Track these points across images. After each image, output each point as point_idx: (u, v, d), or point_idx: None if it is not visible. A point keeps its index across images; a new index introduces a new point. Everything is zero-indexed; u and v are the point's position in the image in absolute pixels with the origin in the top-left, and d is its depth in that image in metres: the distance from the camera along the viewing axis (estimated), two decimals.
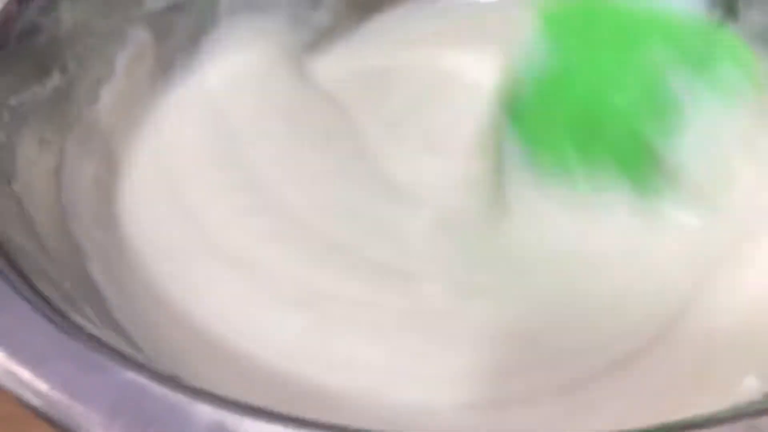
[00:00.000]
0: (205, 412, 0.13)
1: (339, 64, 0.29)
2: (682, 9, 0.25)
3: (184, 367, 0.18)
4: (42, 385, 0.14)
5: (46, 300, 0.16)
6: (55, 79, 0.23)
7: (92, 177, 0.24)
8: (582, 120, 0.26)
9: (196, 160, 0.25)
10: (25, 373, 0.14)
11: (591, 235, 0.24)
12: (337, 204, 0.25)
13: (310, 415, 0.14)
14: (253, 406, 0.13)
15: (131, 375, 0.14)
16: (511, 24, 0.27)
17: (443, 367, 0.21)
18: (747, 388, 0.19)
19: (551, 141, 0.26)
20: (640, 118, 0.25)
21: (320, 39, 0.29)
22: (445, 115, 0.27)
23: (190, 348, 0.20)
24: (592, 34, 0.26)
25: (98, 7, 0.25)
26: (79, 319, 0.15)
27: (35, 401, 0.14)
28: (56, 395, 0.14)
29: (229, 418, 0.13)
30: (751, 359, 0.20)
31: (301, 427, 0.14)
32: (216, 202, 0.24)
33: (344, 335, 0.21)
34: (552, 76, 0.26)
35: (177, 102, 0.27)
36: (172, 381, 0.14)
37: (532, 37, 0.26)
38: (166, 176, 0.25)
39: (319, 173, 0.25)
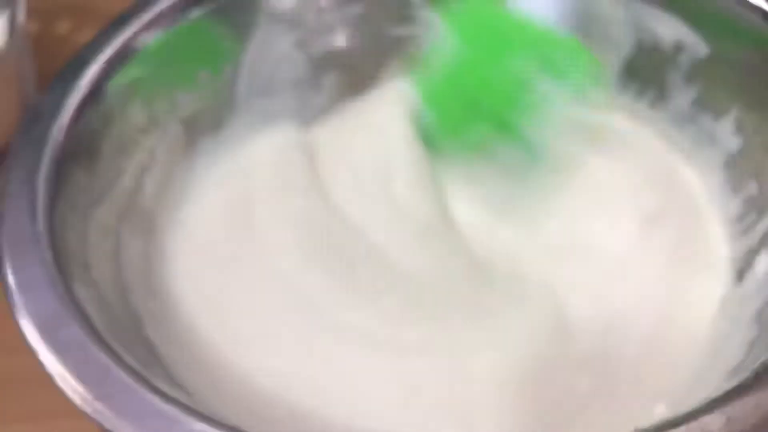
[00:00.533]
0: (197, 426, 0.18)
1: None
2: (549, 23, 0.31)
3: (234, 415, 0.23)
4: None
5: (126, 364, 0.21)
6: (110, 174, 0.28)
7: (141, 253, 0.28)
8: (471, 102, 0.31)
9: (225, 231, 0.30)
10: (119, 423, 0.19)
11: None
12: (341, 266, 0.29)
13: None
14: None
15: (200, 425, 0.19)
16: None
17: None
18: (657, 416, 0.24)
19: (454, 117, 0.32)
20: (511, 104, 0.31)
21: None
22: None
23: (238, 396, 0.25)
24: (484, 32, 0.32)
25: (137, 107, 0.30)
26: (154, 380, 0.21)
27: None
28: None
29: None
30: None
31: None
32: (243, 265, 0.30)
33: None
34: (453, 64, 0.31)
35: (205, 180, 0.32)
36: (227, 426, 0.19)
37: (441, 31, 0.32)
38: (201, 246, 0.30)
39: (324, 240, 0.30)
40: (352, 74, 0.35)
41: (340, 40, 0.34)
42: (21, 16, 0.37)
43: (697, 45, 0.30)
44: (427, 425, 0.25)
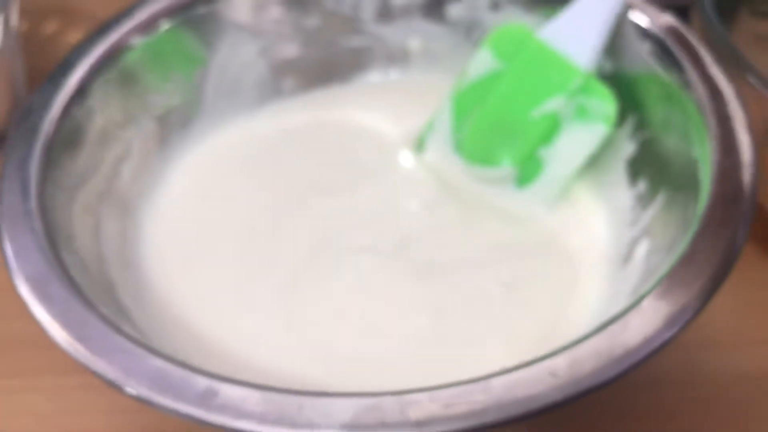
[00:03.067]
0: (202, 381, 0.23)
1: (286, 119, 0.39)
2: (578, 60, 0.34)
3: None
4: (101, 364, 0.24)
5: (101, 314, 0.25)
6: (92, 162, 0.33)
7: (117, 231, 0.33)
8: (495, 117, 0.35)
9: (194, 213, 0.35)
10: (92, 359, 0.24)
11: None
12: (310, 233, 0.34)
13: None
14: (234, 378, 0.23)
15: (157, 361, 0.24)
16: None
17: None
18: None
19: (473, 127, 0.35)
20: (532, 126, 0.34)
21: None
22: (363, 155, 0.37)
23: (192, 347, 0.30)
24: (518, 53, 0.35)
25: (118, 105, 0.35)
26: (125, 327, 0.25)
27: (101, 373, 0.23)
28: (111, 370, 0.23)
29: (217, 384, 0.23)
30: None
31: (270, 391, 0.23)
32: (210, 242, 0.34)
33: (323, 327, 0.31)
34: (485, 79, 0.35)
35: (175, 171, 0.36)
36: (182, 363, 0.24)
37: (480, 48, 0.36)
38: (172, 228, 0.34)
39: (290, 207, 0.35)
40: (307, 79, 0.39)
41: (297, 49, 0.39)
42: (14, 18, 0.41)
43: (605, 60, 0.35)
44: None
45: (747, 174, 0.27)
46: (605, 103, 0.34)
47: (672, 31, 0.32)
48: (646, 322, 0.24)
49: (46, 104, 0.31)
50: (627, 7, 0.33)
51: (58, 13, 0.50)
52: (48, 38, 0.50)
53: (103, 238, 0.32)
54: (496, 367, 0.28)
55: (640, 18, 0.33)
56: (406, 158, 0.37)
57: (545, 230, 0.34)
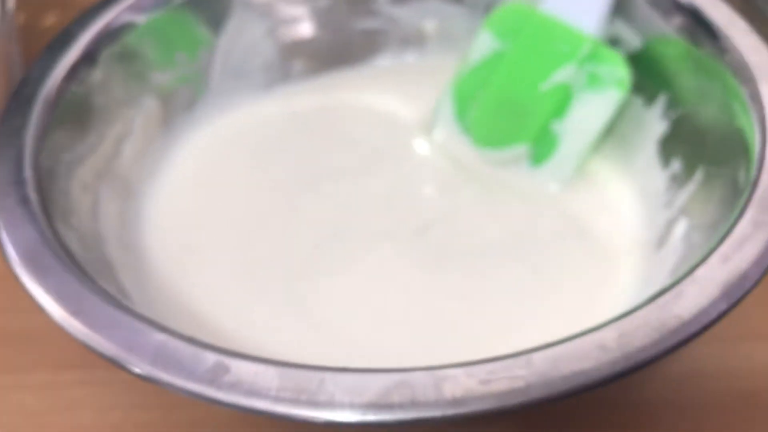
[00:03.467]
0: (211, 356, 0.21)
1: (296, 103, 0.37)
2: (584, 27, 0.32)
3: None
4: (103, 342, 0.21)
5: (101, 289, 0.23)
6: (92, 139, 0.31)
7: (117, 212, 0.31)
8: (501, 97, 0.34)
9: (196, 196, 0.33)
10: (90, 335, 0.22)
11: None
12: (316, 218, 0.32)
13: None
14: (247, 354, 0.21)
15: (161, 335, 0.21)
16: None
17: None
18: None
19: (479, 111, 0.34)
20: (542, 100, 0.33)
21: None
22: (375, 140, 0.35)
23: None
24: (520, 30, 0.33)
25: (119, 81, 0.33)
26: (122, 299, 0.23)
27: (101, 350, 0.21)
28: (112, 347, 0.21)
29: (228, 360, 0.21)
30: None
31: (286, 366, 0.21)
32: (211, 225, 0.32)
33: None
34: (487, 62, 0.34)
35: (179, 154, 0.34)
36: (189, 338, 0.22)
37: (480, 31, 0.34)
38: (173, 210, 0.32)
39: (300, 192, 0.33)
40: (318, 62, 0.37)
41: (307, 30, 0.37)
42: (10, 2, 0.39)
43: (631, 39, 0.33)
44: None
45: None
46: (617, 68, 0.32)
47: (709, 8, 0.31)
48: (701, 292, 0.21)
49: (44, 74, 0.30)
50: None
51: (57, 5, 0.49)
52: (46, 30, 0.48)
53: (102, 217, 0.30)
54: None
55: None
56: (420, 142, 0.35)
57: (572, 215, 0.32)
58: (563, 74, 0.32)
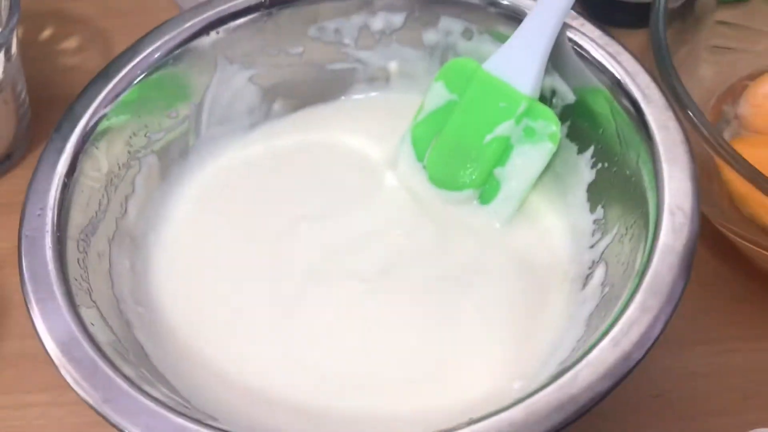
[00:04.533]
0: (177, 420, 0.27)
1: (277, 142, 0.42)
2: (521, 87, 0.37)
3: (204, 397, 0.32)
4: (130, 427, 0.28)
5: (124, 375, 0.29)
6: (102, 206, 0.36)
7: (129, 268, 0.36)
8: (452, 144, 0.39)
9: (194, 242, 0.38)
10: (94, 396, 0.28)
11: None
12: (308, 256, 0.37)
13: None
14: None
15: (178, 420, 0.28)
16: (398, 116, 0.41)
17: None
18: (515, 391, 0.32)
19: (431, 153, 0.39)
20: (486, 150, 0.38)
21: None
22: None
23: (209, 384, 0.33)
24: (468, 84, 0.38)
25: (122, 148, 0.38)
26: (145, 387, 0.29)
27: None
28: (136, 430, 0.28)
29: (188, 426, 0.27)
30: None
31: None
32: (214, 270, 0.37)
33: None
34: (441, 109, 0.39)
35: (177, 200, 0.39)
36: (200, 421, 0.28)
37: (433, 82, 0.39)
38: (180, 257, 0.37)
39: (282, 234, 0.38)
40: (296, 100, 0.42)
41: (285, 74, 0.41)
42: (15, 46, 0.44)
43: (566, 92, 0.38)
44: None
45: (690, 226, 0.30)
46: (550, 124, 0.37)
47: (628, 70, 0.35)
48: (593, 372, 0.27)
49: (56, 159, 0.34)
50: (566, 36, 0.37)
51: (54, 19, 0.53)
52: (44, 43, 0.52)
53: (116, 279, 0.35)
54: (474, 384, 0.32)
55: (597, 53, 0.36)
56: (387, 179, 0.40)
57: (515, 249, 0.38)
58: (503, 128, 0.38)
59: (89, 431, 0.36)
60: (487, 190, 0.39)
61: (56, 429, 0.37)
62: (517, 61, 0.37)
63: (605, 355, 0.28)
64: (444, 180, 0.39)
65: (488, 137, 0.38)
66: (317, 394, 0.34)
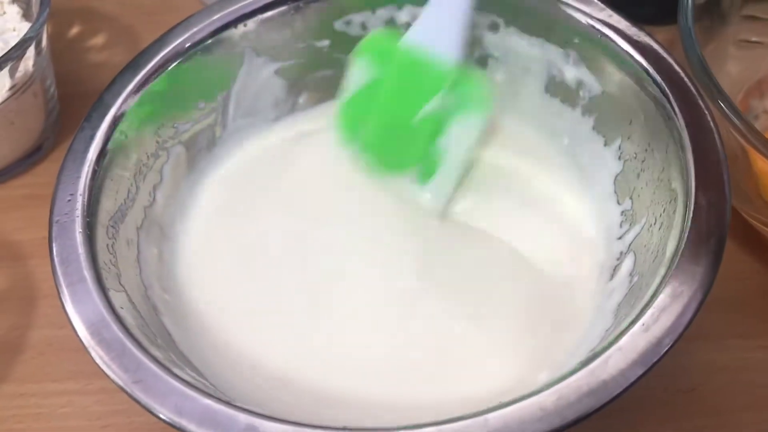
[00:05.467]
0: (243, 417, 0.27)
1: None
2: (443, 56, 0.36)
3: (229, 383, 0.32)
4: (158, 407, 0.28)
5: (152, 356, 0.29)
6: (131, 195, 0.36)
7: (156, 256, 0.36)
8: (382, 120, 0.38)
9: (223, 229, 0.38)
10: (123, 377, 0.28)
11: None
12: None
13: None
14: (273, 415, 0.27)
15: (205, 400, 0.28)
16: None
17: None
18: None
19: (364, 135, 0.38)
20: (419, 128, 0.37)
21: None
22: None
23: (234, 369, 0.33)
24: (389, 60, 0.37)
25: (150, 136, 0.38)
26: (174, 369, 0.29)
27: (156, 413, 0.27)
28: (166, 411, 0.28)
29: (257, 421, 0.27)
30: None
31: (306, 427, 0.27)
32: (239, 258, 0.37)
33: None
34: (366, 88, 0.38)
35: (203, 190, 0.40)
36: (227, 401, 0.28)
37: (354, 60, 0.38)
38: (206, 245, 0.38)
39: (310, 218, 0.38)
40: (321, 93, 0.42)
41: (313, 67, 0.42)
42: (45, 40, 0.44)
43: (593, 84, 0.38)
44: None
45: (721, 212, 0.30)
46: (479, 88, 0.36)
47: (657, 61, 0.35)
48: (624, 358, 0.27)
49: (82, 156, 0.34)
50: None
51: (82, 16, 0.53)
52: (72, 40, 0.53)
53: (144, 266, 0.35)
54: (500, 375, 0.32)
55: (625, 44, 0.36)
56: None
57: (542, 242, 0.37)
58: (432, 105, 0.36)
59: (114, 419, 0.37)
60: (425, 169, 0.38)
61: (81, 417, 0.37)
62: (439, 28, 0.36)
63: (636, 341, 0.28)
64: (384, 162, 0.38)
65: (418, 116, 0.37)
66: (342, 381, 0.33)
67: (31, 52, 0.42)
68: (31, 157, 0.46)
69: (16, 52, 0.41)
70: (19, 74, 0.42)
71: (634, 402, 0.36)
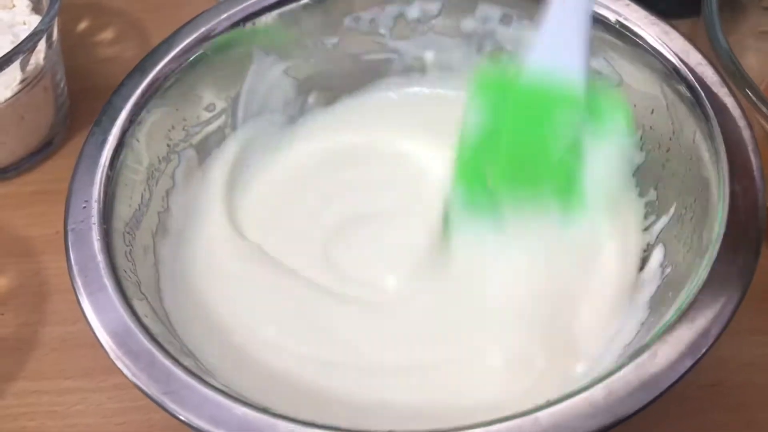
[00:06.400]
0: (283, 425, 0.26)
1: (320, 143, 0.41)
2: (571, 78, 0.32)
3: (250, 391, 0.30)
4: (194, 419, 0.27)
5: (165, 350, 0.28)
6: (144, 200, 0.35)
7: (171, 254, 0.35)
8: (511, 161, 0.34)
9: (234, 234, 0.37)
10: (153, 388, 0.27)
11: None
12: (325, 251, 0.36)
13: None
14: (315, 422, 0.26)
15: (241, 409, 0.27)
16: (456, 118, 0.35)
17: None
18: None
19: (493, 179, 0.34)
20: (557, 155, 0.33)
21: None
22: (400, 189, 0.39)
23: (253, 377, 0.32)
24: (511, 95, 0.34)
25: (162, 140, 0.37)
26: (206, 377, 0.28)
27: (193, 425, 0.26)
28: (201, 421, 0.26)
29: (299, 428, 0.26)
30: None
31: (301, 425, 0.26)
32: (252, 262, 0.36)
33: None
34: (485, 132, 0.34)
35: (214, 193, 0.38)
36: (264, 410, 0.27)
37: (469, 102, 0.34)
38: (219, 250, 0.36)
39: (327, 224, 0.37)
40: (331, 93, 0.41)
41: (322, 65, 0.41)
42: (56, 34, 0.43)
43: (611, 74, 0.37)
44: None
45: (758, 198, 0.30)
46: (618, 110, 0.34)
47: (679, 49, 0.34)
48: (672, 350, 0.27)
49: (94, 161, 0.33)
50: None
51: (91, 10, 0.53)
52: (82, 34, 0.52)
53: (162, 272, 0.34)
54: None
55: (645, 33, 0.35)
56: (426, 176, 0.39)
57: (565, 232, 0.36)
58: (569, 134, 0.33)
59: (128, 416, 0.36)
60: (565, 199, 0.34)
61: (96, 414, 0.36)
62: (561, 47, 0.32)
63: (682, 332, 0.27)
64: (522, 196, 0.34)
65: (555, 147, 0.33)
66: (364, 387, 0.32)
67: (42, 45, 0.42)
68: (41, 153, 0.45)
69: (27, 44, 0.40)
70: (30, 67, 0.42)
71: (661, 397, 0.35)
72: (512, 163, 0.34)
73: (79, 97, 0.47)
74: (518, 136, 0.34)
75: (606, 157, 0.34)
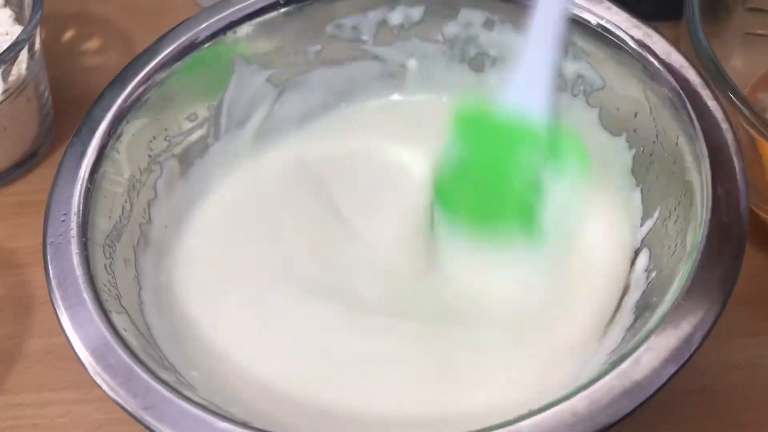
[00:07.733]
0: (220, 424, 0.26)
1: (301, 150, 0.40)
2: (535, 114, 0.35)
3: (235, 405, 0.30)
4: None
5: (161, 379, 0.28)
6: (125, 212, 0.35)
7: (152, 266, 0.35)
8: (481, 191, 0.36)
9: (219, 246, 0.37)
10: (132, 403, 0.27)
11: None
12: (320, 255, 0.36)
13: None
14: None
15: (222, 424, 0.26)
16: (442, 126, 0.37)
17: None
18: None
19: (463, 206, 0.37)
20: (518, 190, 0.36)
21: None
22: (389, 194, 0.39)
23: (237, 390, 0.32)
24: (483, 130, 0.36)
25: (143, 151, 0.36)
26: (186, 392, 0.28)
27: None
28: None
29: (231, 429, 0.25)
30: None
31: None
32: (235, 276, 0.36)
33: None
34: (459, 161, 0.37)
35: (198, 205, 0.38)
36: (246, 425, 0.26)
37: (447, 133, 0.37)
38: (203, 262, 0.36)
39: (309, 234, 0.37)
40: (313, 100, 0.41)
41: (304, 72, 0.40)
42: (38, 44, 0.43)
43: (594, 78, 0.37)
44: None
45: (741, 201, 0.29)
46: (574, 151, 0.35)
47: (661, 52, 0.34)
48: (655, 357, 0.26)
49: (74, 173, 0.33)
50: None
51: (75, 20, 0.52)
52: (66, 45, 0.51)
53: (143, 285, 0.34)
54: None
55: (626, 36, 0.35)
56: (409, 184, 0.39)
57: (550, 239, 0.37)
58: (529, 167, 0.35)
59: (114, 428, 0.36)
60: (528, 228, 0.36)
61: (80, 426, 0.36)
62: (528, 89, 0.35)
63: (665, 338, 0.27)
64: (482, 224, 0.36)
65: (516, 185, 0.36)
66: (344, 399, 0.32)
67: (24, 55, 0.42)
68: (26, 164, 0.45)
69: (9, 54, 0.40)
70: (12, 78, 0.41)
71: (646, 404, 0.35)
72: (477, 195, 0.36)
73: (64, 107, 0.46)
74: (485, 169, 0.36)
75: (562, 192, 0.35)
